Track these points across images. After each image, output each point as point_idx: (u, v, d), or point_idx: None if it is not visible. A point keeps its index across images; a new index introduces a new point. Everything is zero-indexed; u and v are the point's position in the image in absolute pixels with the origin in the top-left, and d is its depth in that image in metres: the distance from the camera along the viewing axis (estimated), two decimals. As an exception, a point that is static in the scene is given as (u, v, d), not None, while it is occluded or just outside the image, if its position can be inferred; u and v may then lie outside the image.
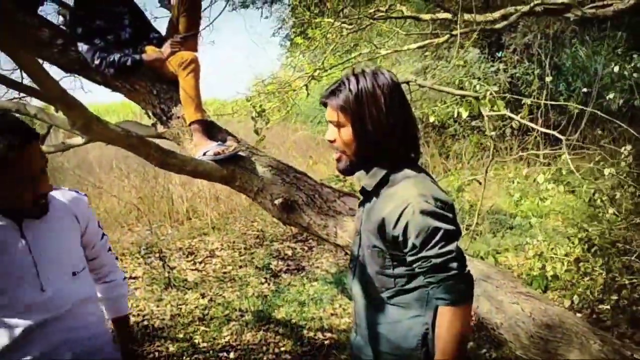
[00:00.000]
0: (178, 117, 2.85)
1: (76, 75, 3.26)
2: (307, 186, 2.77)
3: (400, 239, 1.43)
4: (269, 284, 4.90)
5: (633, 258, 3.67)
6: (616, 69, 6.19)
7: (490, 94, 3.78)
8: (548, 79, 6.15)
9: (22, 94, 3.55)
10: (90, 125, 2.11)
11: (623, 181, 3.92)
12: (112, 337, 1.90)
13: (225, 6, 6.08)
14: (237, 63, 35.08)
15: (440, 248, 1.41)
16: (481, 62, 8.94)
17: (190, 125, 2.78)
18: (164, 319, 4.22)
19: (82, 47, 2.75)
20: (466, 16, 5.36)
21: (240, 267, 5.37)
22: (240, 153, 2.74)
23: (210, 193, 7.28)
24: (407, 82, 4.08)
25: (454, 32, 5.04)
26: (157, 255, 5.33)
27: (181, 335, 3.94)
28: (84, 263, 1.79)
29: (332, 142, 1.55)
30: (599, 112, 3.96)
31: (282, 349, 3.71)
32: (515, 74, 8.98)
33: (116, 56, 2.73)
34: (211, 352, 3.69)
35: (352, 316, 3.99)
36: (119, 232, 6.42)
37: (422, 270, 1.44)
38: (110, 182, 7.58)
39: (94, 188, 7.14)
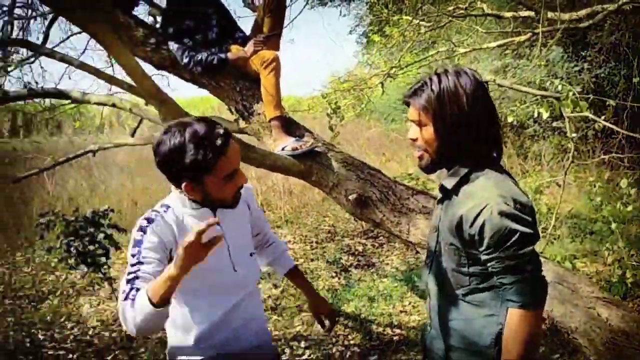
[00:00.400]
0: (259, 114, 2.97)
1: (164, 73, 3.46)
2: (381, 183, 2.82)
3: (477, 237, 1.45)
4: (339, 278, 4.98)
5: None
6: None
7: (573, 94, 3.69)
8: (636, 79, 5.89)
9: (115, 89, 3.80)
10: (180, 120, 2.25)
11: None
12: None
13: (306, 5, 6.20)
14: (314, 60, 35.38)
15: (515, 250, 1.40)
16: (564, 61, 8.62)
17: (270, 121, 2.90)
18: (238, 307, 4.38)
19: (173, 46, 2.92)
20: (550, 14, 5.22)
21: (312, 260, 5.48)
22: (317, 149, 2.83)
23: (284, 187, 7.45)
24: (486, 82, 4.03)
25: (536, 31, 4.92)
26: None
27: (254, 323, 4.08)
28: (254, 245, 1.95)
29: (414, 140, 1.57)
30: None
31: (352, 342, 3.78)
32: (600, 74, 8.60)
33: (203, 55, 2.88)
34: (283, 340, 3.81)
35: (422, 314, 4.01)
36: (197, 223, 6.68)
37: (495, 270, 1.45)
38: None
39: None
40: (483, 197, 1.44)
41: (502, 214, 1.40)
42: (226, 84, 3.02)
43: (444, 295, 1.62)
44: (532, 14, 5.62)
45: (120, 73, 3.74)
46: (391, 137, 10.44)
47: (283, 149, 2.81)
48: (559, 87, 4.03)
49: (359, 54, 14.27)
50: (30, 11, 3.94)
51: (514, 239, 1.40)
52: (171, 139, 1.54)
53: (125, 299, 1.48)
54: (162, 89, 2.25)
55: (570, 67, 8.58)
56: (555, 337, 3.33)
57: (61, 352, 3.70)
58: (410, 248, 5.42)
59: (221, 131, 1.57)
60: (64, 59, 2.79)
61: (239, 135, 2.91)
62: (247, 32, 3.19)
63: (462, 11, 5.86)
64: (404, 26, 6.56)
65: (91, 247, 3.80)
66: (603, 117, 3.71)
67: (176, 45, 2.91)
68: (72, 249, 3.75)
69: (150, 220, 1.63)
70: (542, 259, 1.62)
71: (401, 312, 4.21)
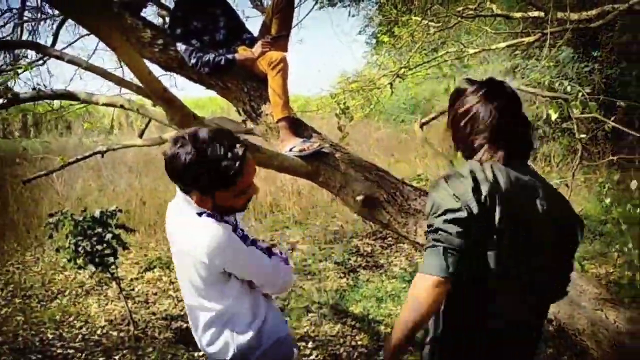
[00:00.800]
0: (267, 115, 2.97)
1: (172, 74, 3.48)
2: (389, 184, 2.82)
3: None
4: (347, 279, 4.98)
5: None
6: None
7: (582, 95, 3.66)
8: (647, 80, 5.84)
9: (124, 91, 3.82)
10: (187, 121, 2.26)
11: None
12: None
13: (315, 5, 6.21)
14: (323, 61, 35.37)
15: (431, 219, 1.48)
16: (574, 61, 8.58)
17: (277, 122, 2.90)
18: (246, 307, 4.39)
19: (180, 47, 2.93)
20: (559, 14, 5.18)
21: (320, 261, 5.48)
22: (325, 150, 2.83)
23: (293, 188, 7.46)
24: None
25: (545, 31, 4.89)
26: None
27: (262, 324, 4.09)
28: None
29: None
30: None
31: (359, 342, 3.78)
32: (611, 74, 8.54)
33: (211, 56, 2.89)
34: (290, 341, 3.82)
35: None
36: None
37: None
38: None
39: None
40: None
41: (434, 186, 1.50)
42: (234, 84, 3.02)
43: None
44: (541, 14, 5.58)
45: (129, 74, 3.77)
46: (400, 137, 10.43)
47: (291, 150, 2.81)
48: (568, 88, 4.01)
49: (368, 55, 14.28)
50: (39, 14, 3.97)
51: (431, 207, 1.47)
52: (187, 155, 1.51)
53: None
54: (169, 90, 2.26)
55: (581, 67, 8.54)
56: (563, 339, 3.30)
57: (70, 351, 3.72)
58: (417, 249, 5.41)
59: (240, 151, 1.55)
60: (72, 61, 2.81)
61: (246, 136, 2.92)
62: (255, 33, 3.20)
63: (471, 12, 5.84)
64: (413, 27, 6.55)
65: (99, 247, 3.81)
66: (613, 118, 3.68)
67: (184, 46, 2.92)
68: (80, 248, 3.77)
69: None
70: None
71: (409, 313, 4.20)
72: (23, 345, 3.79)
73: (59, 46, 3.95)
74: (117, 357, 3.63)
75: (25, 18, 4.04)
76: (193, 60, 2.91)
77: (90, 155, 3.80)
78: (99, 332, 4.04)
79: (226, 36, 3.04)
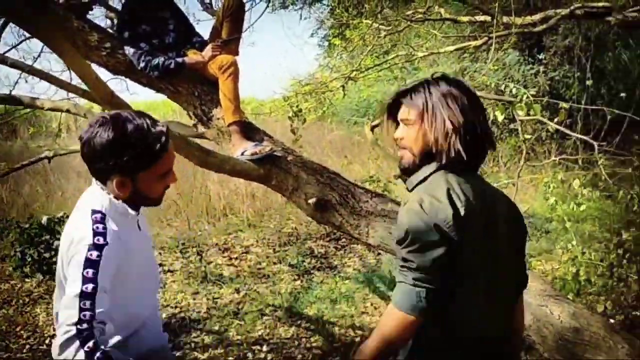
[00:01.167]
0: (218, 118, 2.96)
1: (122, 78, 3.41)
2: (341, 186, 2.84)
3: None
4: (301, 281, 5.00)
5: (669, 265, 3.63)
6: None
7: (527, 97, 3.78)
8: (589, 82, 6.07)
9: (71, 94, 3.72)
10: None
11: (661, 187, 3.88)
12: None
13: (266, 8, 6.21)
14: (275, 63, 35.29)
15: (407, 253, 1.40)
16: (520, 64, 8.85)
17: (229, 126, 2.89)
18: (200, 312, 4.36)
19: (129, 50, 2.88)
20: (505, 18, 5.34)
21: (274, 263, 5.48)
22: (276, 153, 2.83)
23: (247, 191, 7.43)
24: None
25: (491, 35, 5.03)
26: (195, 250, 5.50)
27: (216, 328, 4.07)
28: None
29: (400, 139, 1.59)
30: (637, 118, 3.92)
31: (314, 344, 3.80)
32: (555, 76, 8.85)
33: (160, 59, 2.85)
34: (245, 344, 3.81)
35: (382, 315, 4.05)
36: (158, 227, 6.61)
37: (394, 262, 1.50)
38: (150, 178, 7.79)
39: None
40: (413, 195, 1.47)
41: (408, 211, 1.41)
42: (184, 88, 2.99)
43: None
44: (487, 18, 5.73)
45: (76, 78, 3.68)
46: (353, 139, 10.51)
47: (242, 154, 2.81)
48: (514, 90, 4.14)
49: (320, 57, 14.32)
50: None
51: (407, 239, 1.39)
52: (108, 132, 1.47)
53: (92, 348, 1.34)
54: (117, 94, 2.22)
55: (526, 70, 8.81)
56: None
57: (16, 363, 3.61)
58: (371, 250, 5.47)
59: (164, 128, 1.54)
60: (15, 64, 2.73)
61: (197, 140, 2.90)
62: (206, 36, 3.17)
63: (420, 15, 5.94)
64: (364, 30, 6.63)
65: (47, 255, 3.71)
66: (555, 120, 3.81)
67: (132, 50, 2.87)
68: (27, 256, 3.67)
69: (103, 235, 1.48)
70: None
71: (362, 313, 4.25)
72: (-34, 358, 3.66)
73: (2, 48, 3.82)
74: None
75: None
76: (142, 64, 2.86)
77: (36, 161, 3.70)
78: (47, 341, 3.93)
79: (176, 39, 3.01)
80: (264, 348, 3.76)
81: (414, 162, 1.56)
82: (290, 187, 2.83)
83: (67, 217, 3.91)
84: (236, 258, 5.68)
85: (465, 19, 6.02)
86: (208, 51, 2.90)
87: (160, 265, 5.25)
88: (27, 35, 4.01)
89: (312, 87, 6.89)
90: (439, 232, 1.37)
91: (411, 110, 1.55)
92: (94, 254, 1.44)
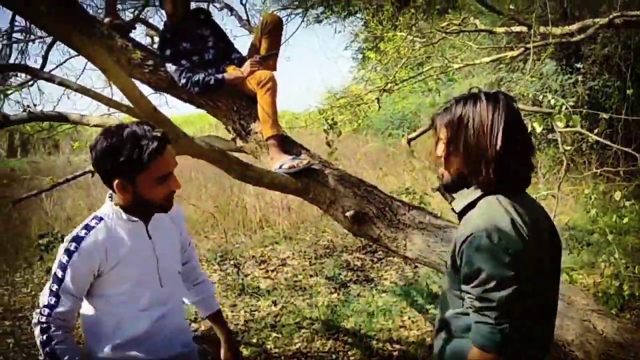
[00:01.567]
0: (256, 132, 3.01)
1: (162, 93, 3.50)
2: (378, 199, 2.85)
3: (459, 265, 1.46)
4: (338, 294, 4.99)
5: None
6: None
7: (566, 108, 3.73)
8: (629, 91, 5.94)
9: (112, 110, 3.83)
10: (178, 140, 2.29)
11: None
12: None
13: (301, 23, 6.27)
14: (310, 77, 35.56)
15: (483, 292, 1.38)
16: (558, 74, 8.71)
17: (267, 140, 2.94)
18: (237, 324, 4.40)
19: (170, 67, 2.97)
20: (542, 28, 5.28)
21: (311, 276, 5.49)
22: (314, 166, 2.87)
23: (283, 203, 7.48)
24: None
25: (527, 45, 4.98)
26: (232, 262, 5.56)
27: (254, 340, 4.10)
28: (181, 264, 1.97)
29: (438, 157, 1.57)
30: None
31: (351, 357, 3.79)
32: (594, 86, 8.68)
33: (200, 76, 2.93)
34: (283, 358, 3.82)
35: (421, 329, 4.02)
36: (196, 239, 6.71)
37: (467, 302, 1.46)
38: (188, 191, 7.94)
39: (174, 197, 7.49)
40: (472, 225, 1.42)
41: (478, 249, 1.38)
42: (223, 103, 3.06)
43: (442, 312, 1.63)
44: (524, 29, 5.68)
45: (118, 94, 3.79)
46: (388, 151, 10.50)
47: (280, 167, 2.85)
48: (552, 101, 4.08)
49: (355, 70, 14.39)
50: (28, 35, 3.99)
51: (482, 278, 1.38)
52: (108, 138, 1.62)
53: (45, 340, 1.68)
54: (159, 109, 2.29)
55: (564, 79, 8.66)
56: (553, 350, 3.34)
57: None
58: (408, 263, 5.44)
59: (159, 133, 1.64)
60: (62, 83, 2.83)
61: (236, 154, 2.95)
62: (244, 52, 3.24)
63: (455, 27, 5.93)
64: (398, 42, 6.62)
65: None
66: (595, 131, 3.74)
67: (174, 67, 2.96)
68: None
69: (78, 241, 1.65)
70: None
71: (400, 327, 4.22)
72: (13, 367, 3.76)
73: (48, 66, 3.97)
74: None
75: (14, 39, 4.06)
76: (183, 81, 2.94)
77: (80, 175, 3.80)
78: (86, 350, 4.01)
79: (215, 56, 3.09)
80: (302, 361, 3.78)
81: (452, 181, 1.56)
82: (327, 200, 2.85)
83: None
84: (273, 270, 5.71)
85: (501, 30, 5.98)
86: (247, 67, 2.97)
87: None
88: (72, 53, 4.16)
89: (347, 100, 6.91)
90: (513, 268, 1.35)
91: (442, 130, 1.54)
92: (65, 257, 1.64)
